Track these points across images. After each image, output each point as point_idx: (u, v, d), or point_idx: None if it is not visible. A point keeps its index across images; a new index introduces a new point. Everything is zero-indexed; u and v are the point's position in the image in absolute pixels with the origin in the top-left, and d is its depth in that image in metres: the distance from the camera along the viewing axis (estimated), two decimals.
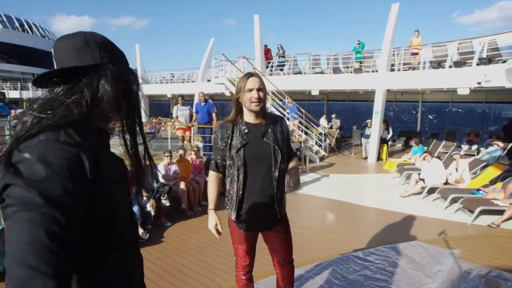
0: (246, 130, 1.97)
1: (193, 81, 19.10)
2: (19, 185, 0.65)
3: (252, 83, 1.92)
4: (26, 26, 35.15)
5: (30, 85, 31.29)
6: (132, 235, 0.99)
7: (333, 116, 13.49)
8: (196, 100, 15.24)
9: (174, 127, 10.30)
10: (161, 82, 22.09)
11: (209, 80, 16.91)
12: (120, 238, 0.89)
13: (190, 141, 8.47)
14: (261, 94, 1.92)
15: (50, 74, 0.86)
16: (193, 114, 8.56)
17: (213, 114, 8.48)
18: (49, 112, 0.79)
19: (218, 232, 2.10)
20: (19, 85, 30.80)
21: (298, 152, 8.92)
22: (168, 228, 5.13)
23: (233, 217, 2.04)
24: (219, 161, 2.08)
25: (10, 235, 0.63)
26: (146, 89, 21.15)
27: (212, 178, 2.12)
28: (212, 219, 2.10)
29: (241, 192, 1.97)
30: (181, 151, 6.19)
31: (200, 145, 8.27)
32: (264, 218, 2.04)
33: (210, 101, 8.67)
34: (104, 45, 0.88)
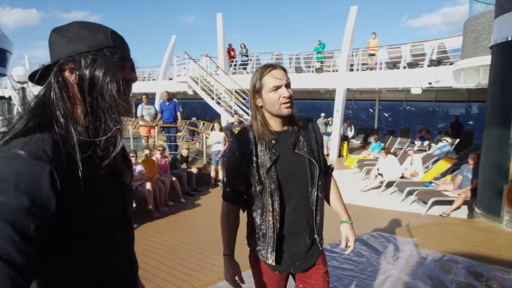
0: (273, 141, 1.45)
1: (154, 79, 18.62)
2: None
3: (278, 77, 1.40)
4: None
5: None
6: (122, 240, 0.96)
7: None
8: (157, 99, 14.92)
9: (135, 126, 10.02)
10: None
11: (171, 79, 16.60)
12: (101, 245, 0.86)
13: (155, 140, 8.29)
14: (290, 91, 1.41)
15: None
16: (158, 113, 8.39)
17: (178, 114, 8.38)
18: (20, 117, 0.77)
19: (239, 285, 1.57)
20: None
21: None
22: (134, 230, 5.00)
23: (270, 260, 1.48)
24: (237, 187, 1.51)
25: None
26: None
27: (227, 212, 1.56)
28: (229, 268, 1.55)
29: (278, 225, 1.45)
30: (147, 151, 6.06)
31: (165, 144, 8.13)
32: (301, 253, 1.52)
33: (175, 100, 8.54)
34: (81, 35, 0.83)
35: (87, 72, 0.80)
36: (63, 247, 0.78)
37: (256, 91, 1.44)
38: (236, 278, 1.56)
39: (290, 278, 1.63)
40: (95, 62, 0.80)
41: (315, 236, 1.52)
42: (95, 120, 0.83)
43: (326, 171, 1.65)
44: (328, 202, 1.67)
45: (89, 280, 0.84)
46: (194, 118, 16.27)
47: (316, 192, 1.48)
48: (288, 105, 1.40)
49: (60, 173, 0.71)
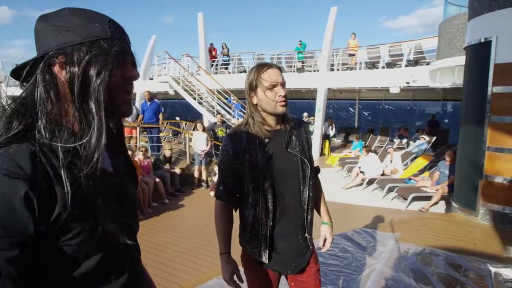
0: (267, 140, 1.46)
1: None
2: None
3: (274, 76, 1.41)
4: None
5: None
6: (127, 259, 0.84)
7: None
8: (138, 99, 14.68)
9: None
10: None
11: (151, 78, 16.37)
12: (104, 267, 0.75)
13: (136, 141, 8.18)
14: (286, 90, 1.45)
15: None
16: (140, 114, 8.28)
17: (160, 115, 8.30)
18: None
19: (238, 285, 1.56)
20: None
21: None
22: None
23: (264, 258, 1.48)
24: (230, 186, 1.52)
25: None
26: None
27: (221, 210, 1.56)
28: (227, 266, 1.55)
29: (271, 224, 1.45)
30: (128, 152, 5.97)
31: (147, 145, 8.04)
32: (294, 253, 1.52)
33: (156, 100, 8.45)
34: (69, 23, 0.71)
35: (79, 67, 0.68)
36: (49, 266, 0.69)
37: (252, 89, 1.46)
38: (235, 277, 1.55)
39: (282, 277, 1.66)
40: (89, 56, 0.69)
41: (306, 235, 1.53)
42: (87, 124, 0.70)
43: (315, 173, 1.67)
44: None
45: None
46: (178, 118, 16.06)
47: (307, 192, 1.49)
48: (283, 103, 1.43)
49: (38, 191, 0.62)
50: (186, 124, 13.84)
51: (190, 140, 8.31)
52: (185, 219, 5.68)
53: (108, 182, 0.73)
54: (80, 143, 0.68)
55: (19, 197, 0.60)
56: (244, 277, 1.62)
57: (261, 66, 1.45)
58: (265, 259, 1.48)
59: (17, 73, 0.72)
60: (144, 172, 6.32)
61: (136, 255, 0.90)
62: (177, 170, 7.35)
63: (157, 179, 6.43)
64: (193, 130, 9.66)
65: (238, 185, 1.50)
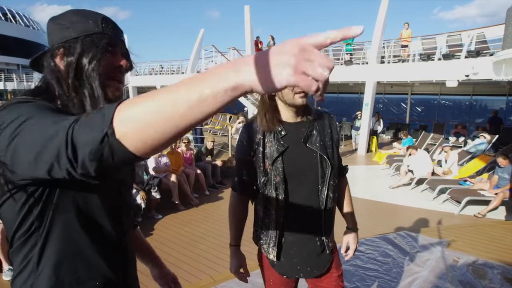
0: (283, 133, 1.38)
1: (183, 73, 18.89)
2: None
3: None
4: (10, 15, 34.08)
5: (14, 76, 30.52)
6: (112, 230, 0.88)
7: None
8: None
9: None
10: (150, 74, 21.78)
11: (199, 71, 16.73)
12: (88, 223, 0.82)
13: None
14: None
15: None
16: None
17: None
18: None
19: (244, 277, 1.53)
20: (3, 76, 29.96)
21: None
22: (158, 221, 5.10)
23: (271, 256, 1.42)
24: (245, 177, 1.46)
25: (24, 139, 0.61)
26: (135, 81, 20.85)
27: (235, 202, 1.52)
28: (235, 259, 1.52)
29: (281, 220, 1.39)
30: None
31: (190, 137, 8.22)
32: (311, 257, 1.44)
33: None
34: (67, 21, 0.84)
35: (74, 58, 0.81)
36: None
37: None
38: (241, 270, 1.51)
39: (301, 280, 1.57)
40: (82, 48, 0.81)
41: (323, 238, 1.44)
42: (80, 105, 0.82)
43: (341, 172, 1.57)
44: (338, 204, 1.59)
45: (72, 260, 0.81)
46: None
47: (326, 191, 1.39)
48: (302, 94, 1.31)
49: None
50: (231, 117, 13.99)
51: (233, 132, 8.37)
52: (224, 211, 5.68)
53: None
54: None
55: (53, 107, 0.74)
56: (256, 278, 1.58)
57: None
58: (273, 256, 1.42)
59: (33, 64, 0.89)
60: (186, 164, 6.47)
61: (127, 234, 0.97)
62: (218, 163, 7.43)
63: (199, 171, 6.55)
64: (238, 123, 9.69)
65: (253, 177, 1.44)
